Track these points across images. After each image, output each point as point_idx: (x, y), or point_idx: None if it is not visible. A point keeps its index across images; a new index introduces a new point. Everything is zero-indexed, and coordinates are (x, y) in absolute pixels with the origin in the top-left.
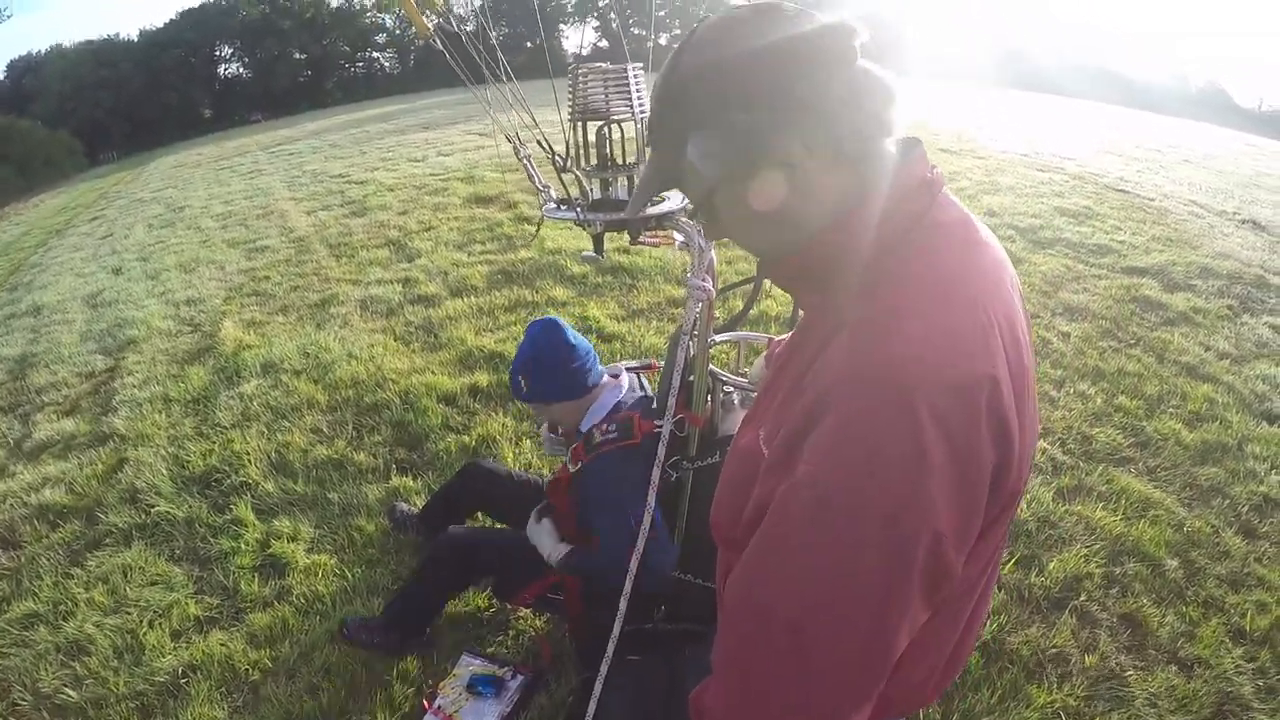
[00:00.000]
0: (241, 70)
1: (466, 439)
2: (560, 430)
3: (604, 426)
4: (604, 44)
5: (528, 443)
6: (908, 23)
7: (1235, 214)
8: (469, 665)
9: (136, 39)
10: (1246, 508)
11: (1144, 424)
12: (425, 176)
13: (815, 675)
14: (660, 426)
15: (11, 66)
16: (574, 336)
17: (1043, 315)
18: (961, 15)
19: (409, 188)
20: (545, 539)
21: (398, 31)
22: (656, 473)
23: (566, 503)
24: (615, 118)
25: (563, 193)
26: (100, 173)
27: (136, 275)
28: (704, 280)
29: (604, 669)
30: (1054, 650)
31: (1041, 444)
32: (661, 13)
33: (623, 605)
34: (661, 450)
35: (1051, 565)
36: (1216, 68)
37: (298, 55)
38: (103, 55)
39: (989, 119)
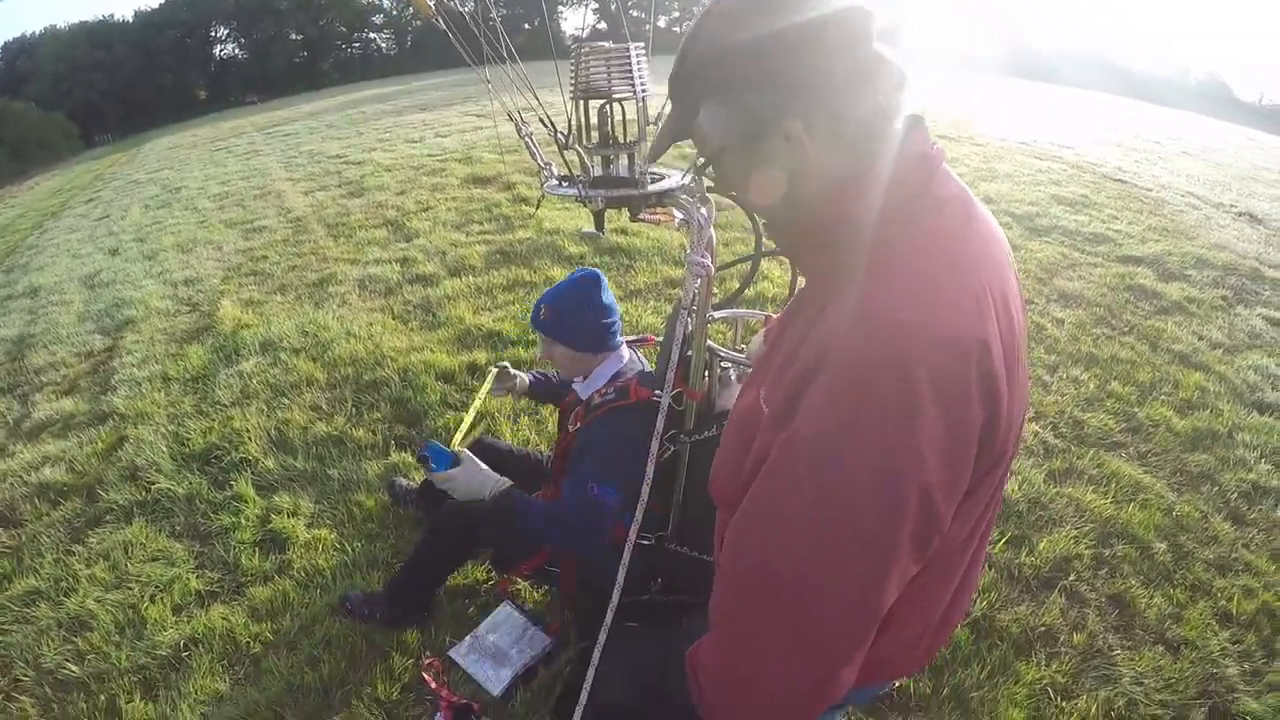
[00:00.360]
0: (237, 51)
1: (465, 416)
2: (555, 373)
3: (603, 391)
4: (603, 25)
5: (526, 419)
6: (908, 9)
7: (1232, 206)
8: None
9: (131, 20)
10: (1235, 494)
11: (1136, 410)
12: (423, 157)
13: (808, 625)
14: (658, 396)
15: (5, 48)
16: (607, 297)
17: (1038, 301)
18: (964, 2)
19: (406, 168)
20: (469, 483)
21: (394, 12)
22: (655, 445)
23: (563, 467)
24: (617, 96)
25: (564, 170)
26: (95, 154)
27: (133, 256)
28: (703, 257)
29: (602, 637)
30: (1043, 628)
31: (1033, 427)
32: None
33: (620, 575)
34: (660, 422)
35: (1042, 545)
36: (1217, 63)
37: (294, 36)
38: (97, 36)
39: (988, 106)
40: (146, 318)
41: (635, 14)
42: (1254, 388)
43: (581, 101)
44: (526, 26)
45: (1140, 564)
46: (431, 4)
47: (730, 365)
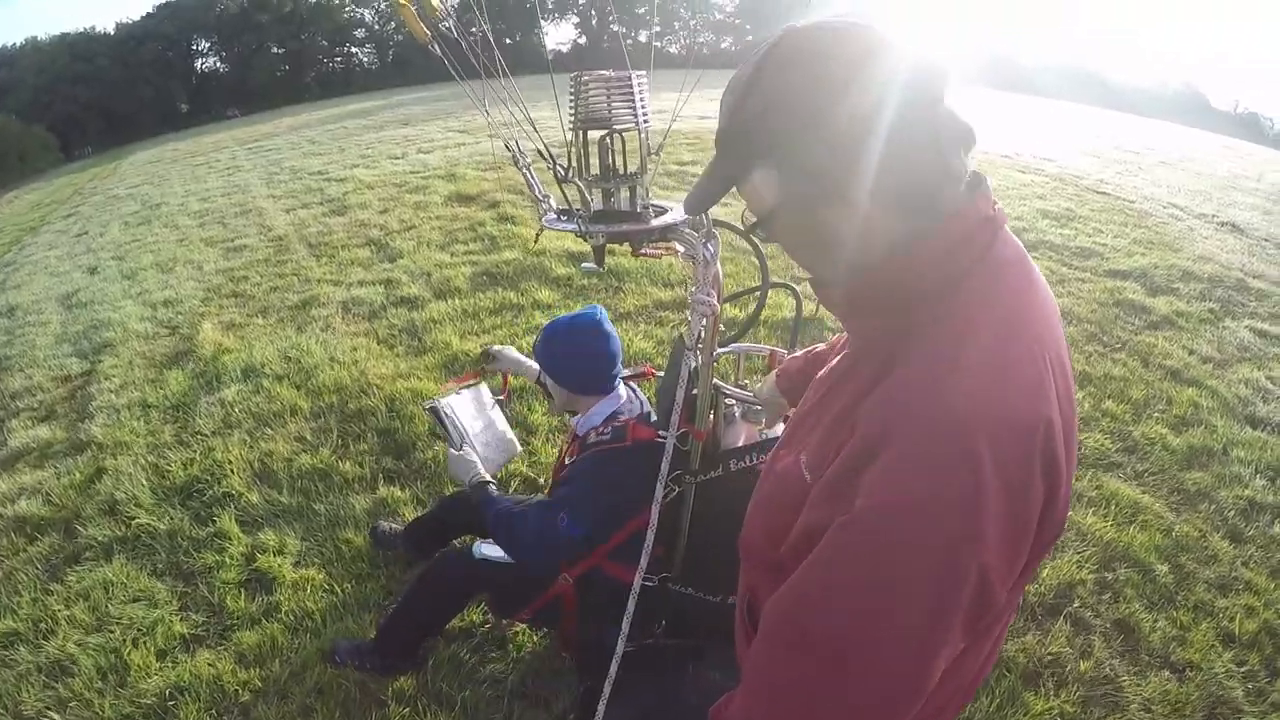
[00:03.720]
0: (218, 64)
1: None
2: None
3: (600, 429)
4: (583, 40)
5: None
6: (888, 21)
7: (1214, 216)
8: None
9: (113, 32)
10: (1233, 512)
11: (1131, 429)
12: (406, 174)
13: (851, 701)
14: (662, 436)
15: None
16: (605, 344)
17: None
18: (941, 15)
19: (389, 185)
20: (458, 466)
21: (376, 26)
22: (659, 490)
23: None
24: (618, 127)
25: (563, 202)
26: (75, 168)
27: (112, 275)
28: (708, 295)
29: (607, 689)
30: (1050, 657)
31: None
32: (641, 9)
33: (625, 625)
34: (665, 465)
35: (1045, 572)
36: (1192, 72)
37: (275, 50)
38: (78, 49)
39: (970, 119)
40: (125, 340)
41: (616, 29)
42: (1246, 402)
43: (581, 132)
44: (509, 41)
45: (1143, 587)
46: (428, 32)
47: (735, 403)
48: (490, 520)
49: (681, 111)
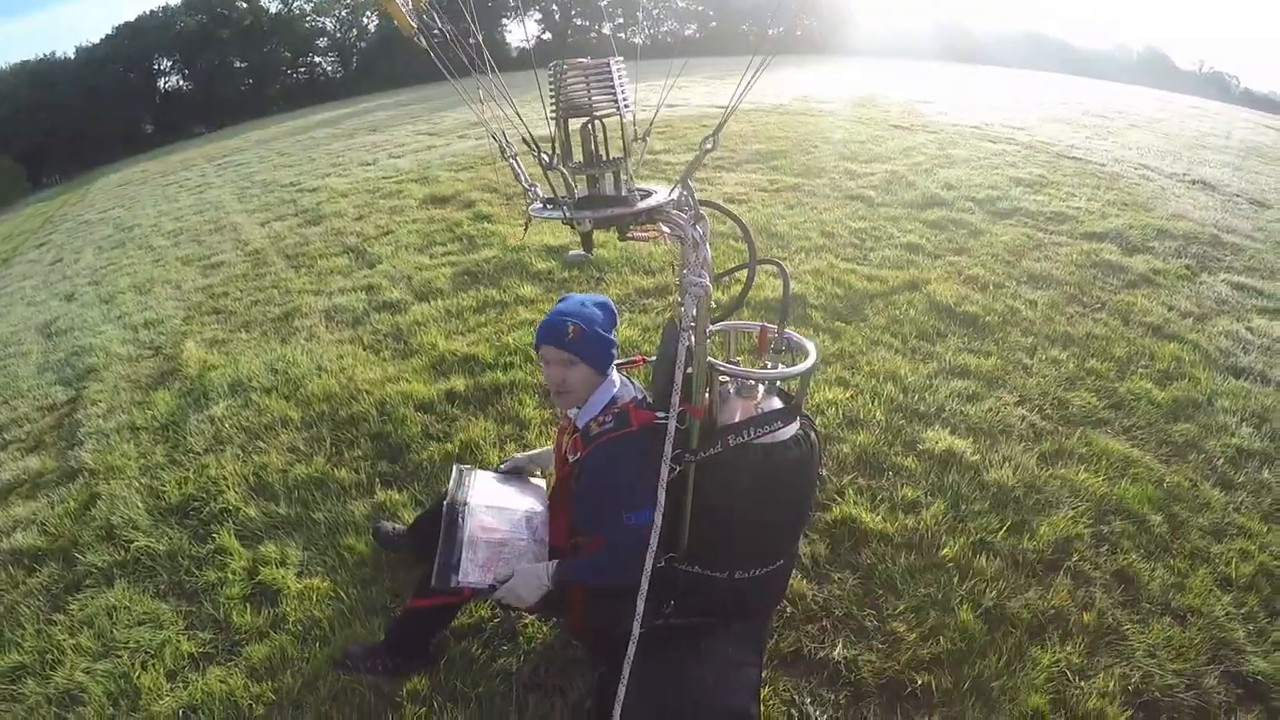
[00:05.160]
0: (182, 83)
1: (450, 446)
2: (560, 393)
3: (600, 419)
4: (547, 36)
5: (512, 445)
6: (850, 1)
7: (1185, 175)
8: None
9: (73, 57)
10: (1222, 460)
11: (1116, 385)
12: (378, 180)
13: None
14: (661, 418)
15: None
16: (595, 325)
17: (1008, 284)
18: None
19: (362, 192)
20: (527, 586)
21: (339, 35)
22: (665, 470)
23: (565, 496)
24: (599, 114)
25: (549, 191)
26: (44, 196)
27: (90, 300)
28: (700, 276)
29: (626, 669)
30: (1052, 611)
31: (1020, 410)
32: (604, 2)
33: (640, 605)
34: (668, 446)
35: (1042, 529)
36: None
37: (238, 64)
38: (40, 76)
39: (936, 93)
40: (108, 365)
41: (579, 22)
42: (1227, 353)
43: (563, 120)
44: (471, 40)
45: (1139, 538)
46: (414, 23)
47: (729, 380)
48: (594, 584)
49: (656, 100)
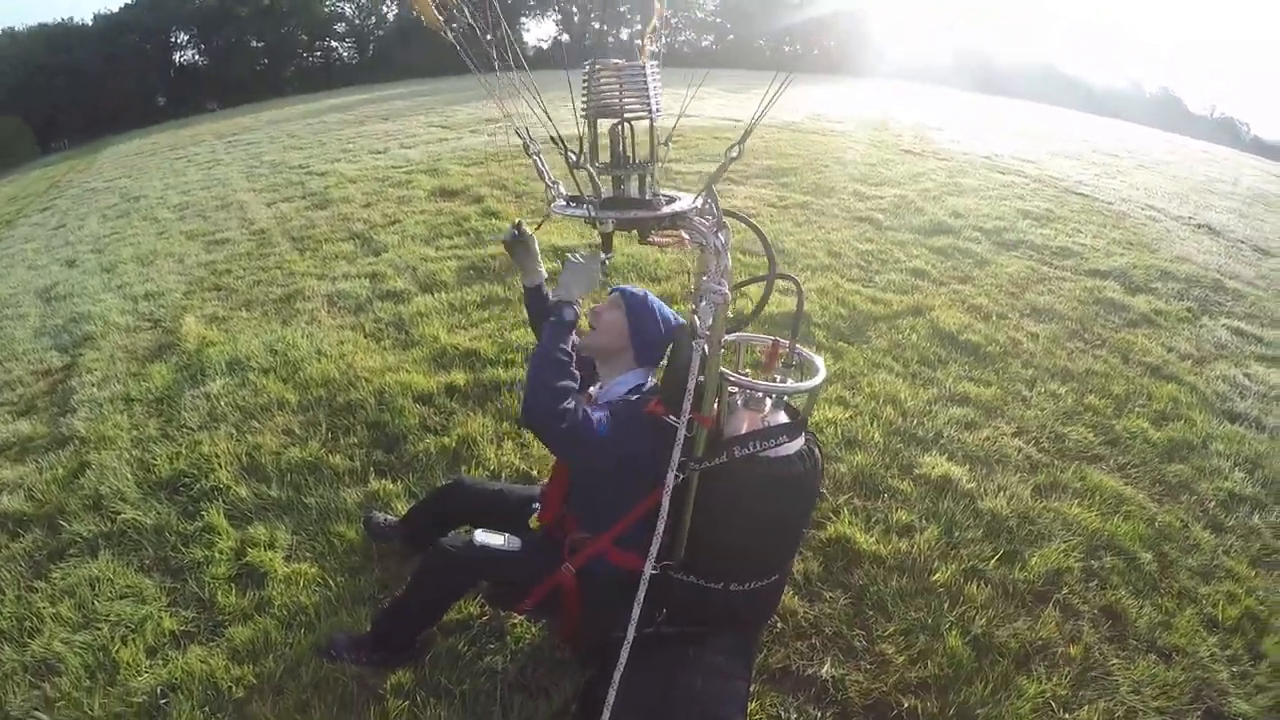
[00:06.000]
0: (197, 57)
1: (446, 440)
2: (592, 326)
3: (620, 399)
4: (565, 37)
5: (510, 443)
6: (872, 23)
7: (1191, 219)
8: None
9: (91, 24)
10: (1213, 503)
11: (1113, 422)
12: (388, 169)
13: None
14: (672, 421)
15: None
16: (659, 314)
17: (1011, 315)
18: (921, 17)
19: (372, 180)
20: (580, 280)
21: (357, 21)
22: (670, 476)
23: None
24: (629, 116)
25: (572, 190)
26: (51, 161)
27: (91, 268)
28: (720, 284)
29: (617, 676)
30: (1040, 642)
31: (1017, 441)
32: (623, 7)
33: (636, 611)
34: (677, 452)
35: (1033, 560)
36: (1170, 76)
37: (255, 43)
38: (56, 40)
39: (949, 120)
40: (106, 334)
41: (598, 25)
42: (1224, 397)
43: (592, 120)
44: (488, 37)
45: (1128, 574)
46: (440, 17)
47: (737, 391)
48: (542, 352)
49: (670, 110)
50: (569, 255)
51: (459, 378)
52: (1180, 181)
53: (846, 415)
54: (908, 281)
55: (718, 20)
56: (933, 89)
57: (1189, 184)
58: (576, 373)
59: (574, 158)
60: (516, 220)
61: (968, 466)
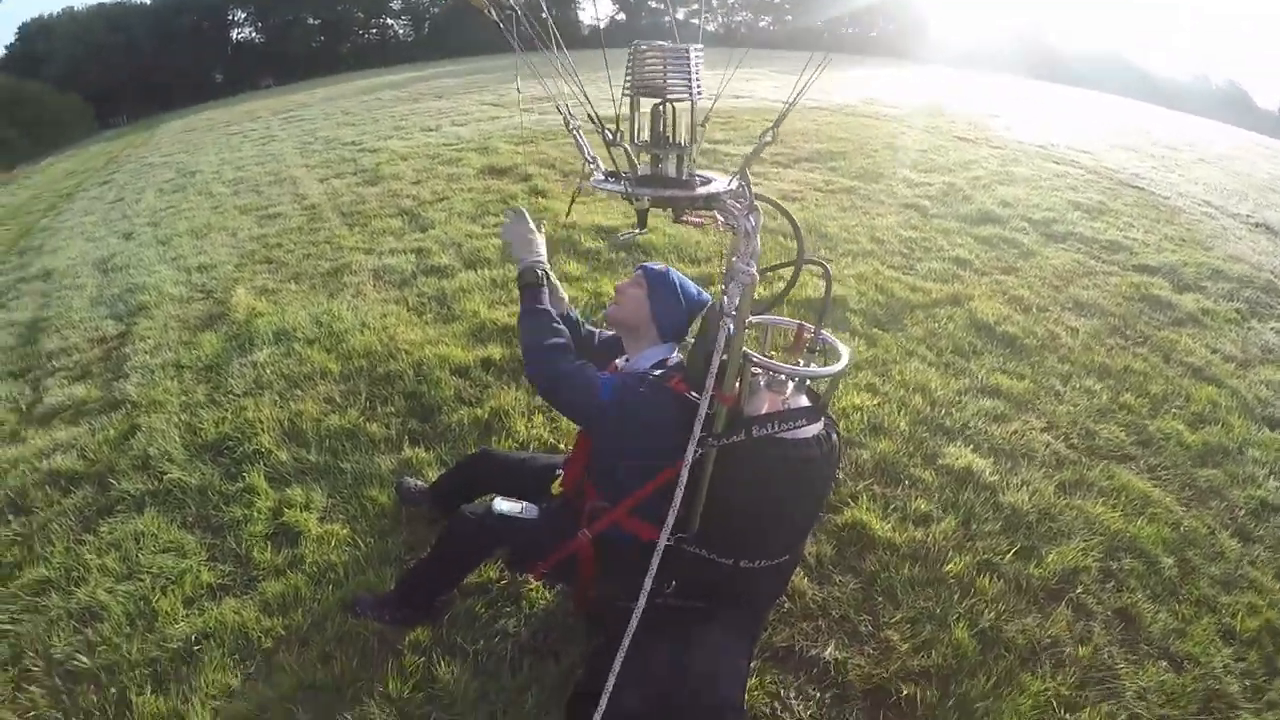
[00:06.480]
0: (254, 35)
1: (479, 411)
2: (615, 302)
3: (647, 374)
4: (621, 16)
5: (540, 416)
6: (929, 7)
7: (1249, 217)
8: None
9: (149, 2)
10: (1243, 511)
11: (1147, 423)
12: (439, 146)
13: None
14: (694, 397)
15: (23, 29)
16: (681, 292)
17: (1052, 309)
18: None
19: (422, 157)
20: (520, 241)
21: None
22: (690, 450)
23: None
24: (671, 97)
25: (610, 167)
26: (109, 136)
27: (147, 240)
28: (749, 265)
29: (626, 641)
30: (1049, 640)
31: (1045, 437)
32: None
33: (647, 583)
34: (698, 428)
35: (1050, 557)
36: (1236, 69)
37: (311, 20)
38: (115, 19)
39: (1006, 108)
40: (160, 304)
41: (654, 4)
42: (1265, 403)
43: (634, 98)
44: (544, 15)
45: (1147, 578)
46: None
47: (760, 372)
48: (523, 329)
49: (718, 90)
50: (505, 211)
51: (495, 352)
52: (1241, 178)
53: (875, 402)
54: (949, 270)
55: (776, 1)
56: (992, 75)
57: (1250, 181)
58: (559, 325)
59: (610, 135)
60: (513, 207)
61: (992, 459)
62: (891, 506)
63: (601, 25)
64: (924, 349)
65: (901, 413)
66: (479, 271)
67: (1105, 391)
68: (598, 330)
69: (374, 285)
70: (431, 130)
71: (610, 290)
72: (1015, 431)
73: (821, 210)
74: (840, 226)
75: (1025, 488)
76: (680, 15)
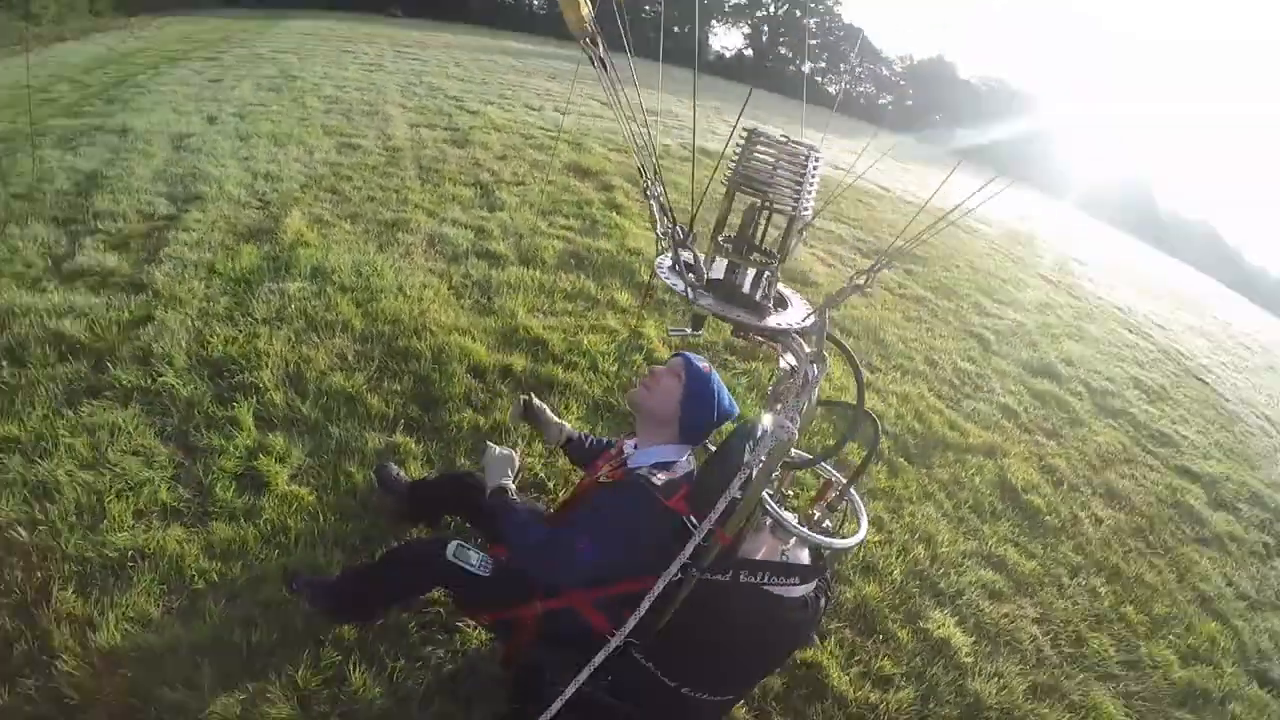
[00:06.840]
0: None
1: (482, 420)
2: (644, 385)
3: (649, 469)
4: (749, 52)
5: (538, 445)
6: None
7: None
8: None
9: None
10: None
11: (1140, 643)
12: (535, 128)
13: None
14: (692, 524)
15: None
16: (715, 401)
17: (1083, 490)
18: (1101, 150)
19: (516, 134)
20: (498, 468)
21: None
22: (667, 575)
23: (573, 508)
24: (774, 205)
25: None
26: (231, 14)
27: (229, 132)
28: (791, 422)
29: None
30: None
31: (1035, 630)
32: (813, 42)
33: (584, 674)
34: (684, 555)
35: None
36: None
37: None
38: None
39: (1094, 256)
40: (216, 199)
41: (783, 52)
42: (1264, 655)
43: (731, 190)
44: (676, 30)
45: None
46: (586, 23)
47: (768, 516)
48: (504, 528)
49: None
50: (488, 444)
51: (518, 362)
52: None
53: (876, 539)
54: (993, 418)
55: (901, 83)
56: (1088, 218)
57: None
58: (528, 517)
59: (682, 234)
60: (522, 397)
61: (974, 638)
62: (856, 658)
63: (728, 54)
64: (943, 495)
65: (899, 559)
66: (530, 270)
67: (1110, 596)
68: (589, 437)
69: (425, 251)
70: (534, 109)
71: (651, 335)
72: (1007, 615)
73: (886, 314)
74: (899, 337)
75: (996, 679)
76: (806, 69)
